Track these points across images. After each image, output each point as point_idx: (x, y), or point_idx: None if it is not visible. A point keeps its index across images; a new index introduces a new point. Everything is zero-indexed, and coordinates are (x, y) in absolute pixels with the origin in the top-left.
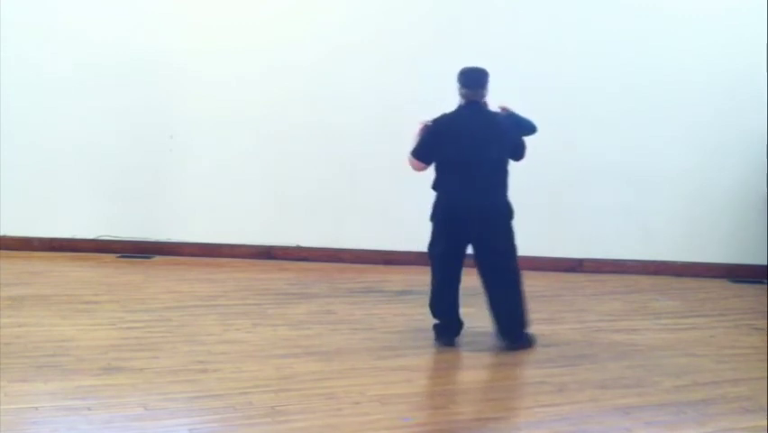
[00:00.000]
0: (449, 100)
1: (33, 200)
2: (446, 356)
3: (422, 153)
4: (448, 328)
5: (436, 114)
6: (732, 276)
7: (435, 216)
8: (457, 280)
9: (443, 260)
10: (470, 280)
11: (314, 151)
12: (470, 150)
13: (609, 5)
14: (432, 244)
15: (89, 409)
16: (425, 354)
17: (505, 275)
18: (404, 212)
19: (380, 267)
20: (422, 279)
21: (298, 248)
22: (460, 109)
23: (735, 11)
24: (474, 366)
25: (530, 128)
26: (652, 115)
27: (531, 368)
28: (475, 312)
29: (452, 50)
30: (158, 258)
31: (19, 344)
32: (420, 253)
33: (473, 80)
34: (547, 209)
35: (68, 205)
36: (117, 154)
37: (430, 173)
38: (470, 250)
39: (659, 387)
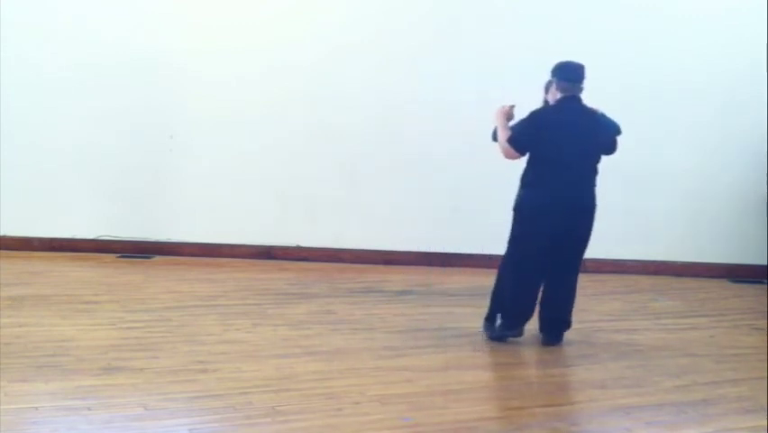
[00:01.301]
0: (449, 100)
1: (33, 200)
2: (446, 356)
3: (521, 143)
4: (519, 319)
5: (436, 113)
6: (732, 276)
7: (523, 210)
8: (542, 276)
9: (529, 254)
10: (471, 280)
11: (314, 151)
12: (570, 145)
13: (609, 5)
14: (516, 237)
15: (89, 409)
16: (424, 354)
17: (569, 276)
18: (404, 212)
19: (380, 267)
20: (422, 279)
21: (298, 248)
22: (560, 103)
23: (735, 11)
24: (474, 366)
25: (616, 130)
26: (652, 115)
27: (531, 368)
28: (476, 312)
29: (452, 50)
30: (158, 258)
31: (19, 344)
32: (420, 253)
33: (574, 74)
34: None
35: (68, 205)
36: (117, 154)
37: (427, 172)
38: None
39: (659, 387)
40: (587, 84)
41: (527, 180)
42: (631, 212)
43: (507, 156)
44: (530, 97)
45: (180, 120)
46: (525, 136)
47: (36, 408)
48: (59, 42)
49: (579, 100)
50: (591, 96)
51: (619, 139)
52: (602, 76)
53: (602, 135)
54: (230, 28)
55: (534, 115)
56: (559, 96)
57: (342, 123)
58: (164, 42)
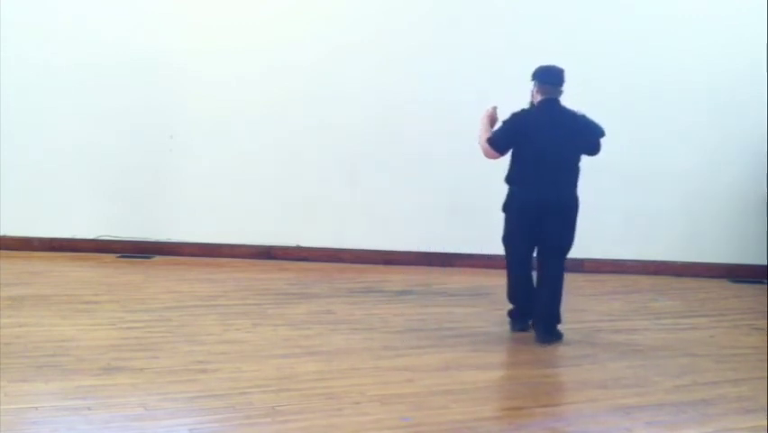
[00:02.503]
0: (449, 100)
1: (33, 200)
2: (446, 356)
3: (500, 143)
4: (523, 314)
5: (436, 113)
6: (732, 276)
7: (510, 209)
8: (531, 269)
9: (519, 251)
10: (471, 280)
11: (314, 151)
12: (549, 146)
13: (609, 5)
14: (507, 236)
15: (89, 409)
16: (425, 354)
17: (556, 272)
18: (404, 212)
19: (380, 267)
20: (422, 279)
21: (298, 248)
22: (540, 105)
23: (735, 11)
24: (474, 366)
25: (600, 132)
26: (652, 115)
27: (531, 368)
28: (476, 312)
29: (452, 50)
30: (158, 258)
31: (19, 344)
32: (420, 253)
33: (555, 78)
34: None
35: (68, 205)
36: (117, 154)
37: (429, 174)
38: None
39: (659, 387)
40: (590, 84)
41: (512, 179)
42: (631, 212)
43: (487, 156)
44: (530, 98)
45: (180, 120)
46: (504, 138)
47: (36, 408)
48: (59, 42)
49: (558, 102)
50: (592, 96)
51: (619, 139)
52: (602, 76)
53: (583, 136)
54: (230, 28)
55: (515, 117)
56: (540, 98)
57: (342, 123)
58: (164, 42)
